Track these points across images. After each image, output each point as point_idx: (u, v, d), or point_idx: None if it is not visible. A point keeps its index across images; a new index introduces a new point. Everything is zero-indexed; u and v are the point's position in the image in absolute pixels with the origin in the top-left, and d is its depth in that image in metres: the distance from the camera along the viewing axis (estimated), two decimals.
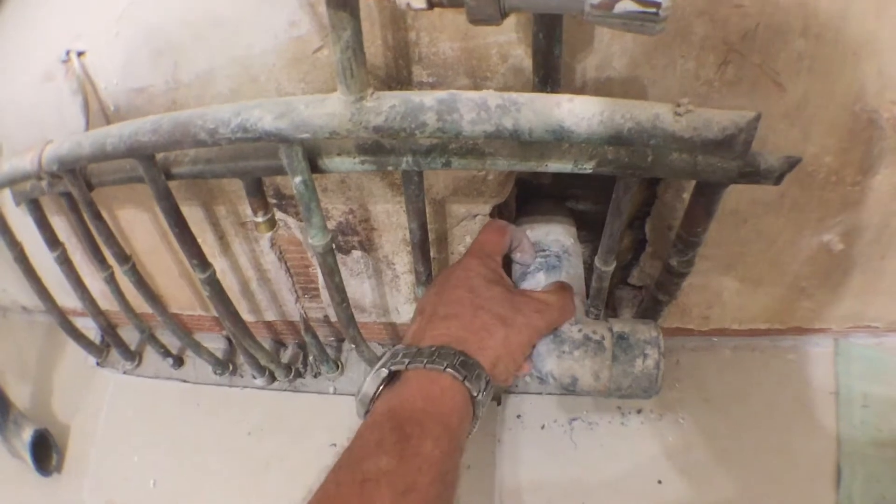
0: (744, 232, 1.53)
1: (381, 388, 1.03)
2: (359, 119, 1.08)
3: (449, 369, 0.94)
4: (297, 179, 1.24)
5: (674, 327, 1.87)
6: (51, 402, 2.47)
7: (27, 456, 2.15)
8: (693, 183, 1.24)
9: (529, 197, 1.81)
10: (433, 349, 0.97)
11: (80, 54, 1.49)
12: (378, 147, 1.22)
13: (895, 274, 1.63)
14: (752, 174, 1.12)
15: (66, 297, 2.20)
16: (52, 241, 1.89)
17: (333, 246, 1.41)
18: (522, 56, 1.24)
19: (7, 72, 1.61)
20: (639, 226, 1.69)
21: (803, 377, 1.86)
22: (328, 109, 1.10)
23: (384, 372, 1.02)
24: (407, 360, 0.97)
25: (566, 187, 1.82)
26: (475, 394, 0.94)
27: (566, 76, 1.24)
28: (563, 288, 1.27)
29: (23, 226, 1.91)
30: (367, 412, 1.02)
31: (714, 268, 1.65)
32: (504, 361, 1.03)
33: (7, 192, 1.80)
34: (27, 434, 2.17)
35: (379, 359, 1.08)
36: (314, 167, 1.27)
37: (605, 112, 1.00)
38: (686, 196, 1.35)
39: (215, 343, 2.29)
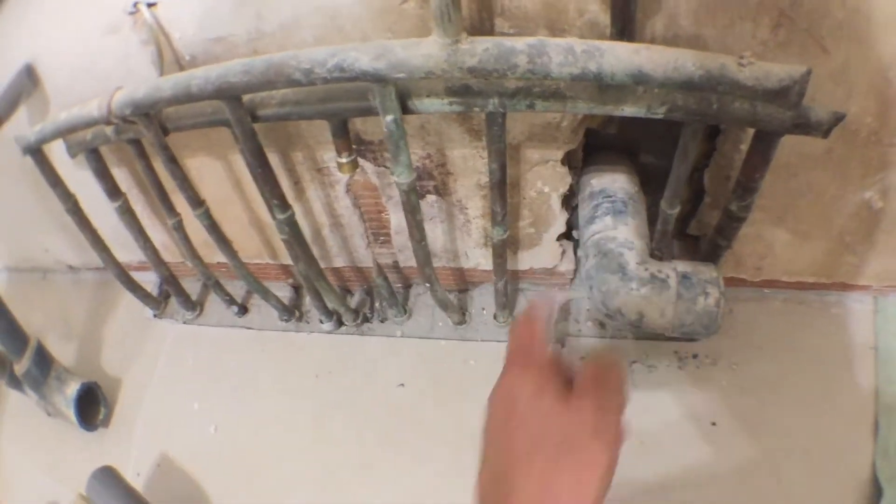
0: (794, 184, 1.73)
1: None
2: (454, 60, 1.26)
3: None
4: (389, 118, 1.41)
5: (728, 277, 2.06)
6: (100, 357, 2.62)
7: (71, 411, 2.26)
8: (751, 135, 1.44)
9: (596, 149, 2.00)
10: None
11: (150, 5, 1.60)
12: (467, 89, 1.39)
13: None
14: (804, 125, 1.33)
15: (121, 252, 2.37)
16: (114, 190, 2.03)
17: (417, 185, 1.58)
18: (598, 11, 1.41)
19: (62, 26, 1.74)
20: (697, 178, 1.88)
21: (846, 331, 2.05)
22: (424, 51, 1.28)
23: None
24: None
25: (631, 141, 2.01)
26: None
27: (638, 32, 1.40)
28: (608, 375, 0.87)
29: (75, 182, 2.06)
30: None
31: (767, 219, 1.84)
32: None
33: (59, 145, 1.92)
34: (72, 389, 2.29)
35: None
36: (404, 108, 1.43)
37: (679, 60, 1.19)
38: (743, 147, 1.52)
39: (281, 291, 2.45)
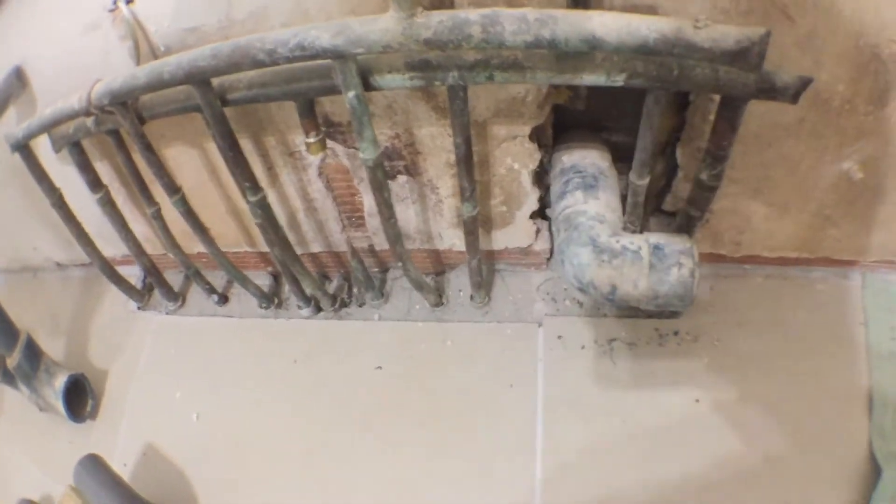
0: (768, 155, 1.72)
1: None
2: (410, 33, 1.29)
3: None
4: (351, 94, 1.44)
5: (707, 253, 2.06)
6: (87, 350, 2.66)
7: (59, 404, 2.31)
8: (718, 104, 1.44)
9: (568, 128, 1.99)
10: None
11: (128, 1, 1.66)
12: (426, 63, 1.42)
13: None
14: (769, 90, 1.33)
15: (106, 246, 2.41)
16: (96, 182, 2.08)
17: (383, 161, 1.61)
18: None
19: (49, 28, 1.80)
20: (670, 153, 1.88)
21: (833, 307, 2.05)
22: (381, 25, 1.31)
23: None
24: None
25: (601, 119, 2.00)
26: None
27: (596, 2, 1.43)
28: None
29: (60, 177, 2.11)
30: None
31: (742, 192, 1.84)
32: None
33: (44, 142, 1.97)
34: (60, 381, 2.34)
35: None
36: (366, 85, 1.46)
37: (633, 24, 1.20)
38: (713, 118, 1.51)
39: (260, 279, 2.49)
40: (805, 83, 1.32)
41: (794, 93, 1.33)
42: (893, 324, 1.98)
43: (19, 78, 1.90)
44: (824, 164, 1.74)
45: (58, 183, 2.11)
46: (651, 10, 1.44)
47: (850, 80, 1.53)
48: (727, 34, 1.19)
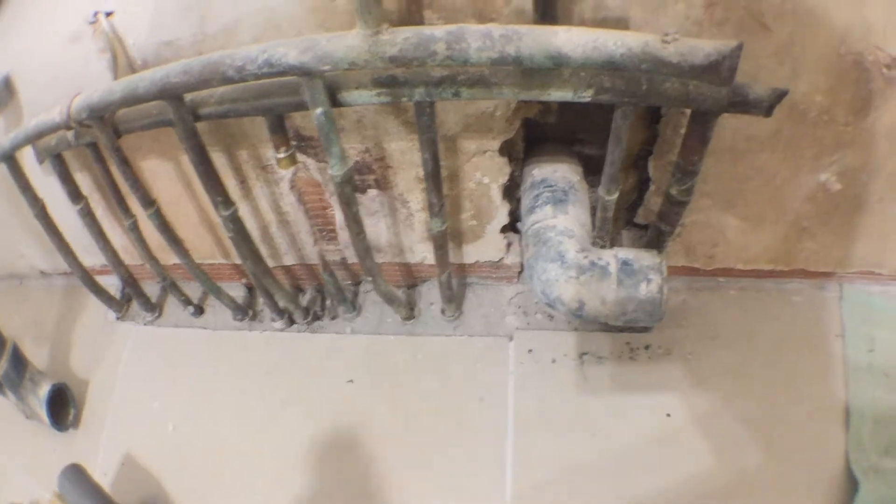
0: (742, 168, 1.69)
1: None
2: (375, 50, 1.26)
3: None
4: (319, 111, 1.42)
5: (680, 266, 2.03)
6: (69, 359, 2.64)
7: (43, 412, 2.31)
8: (689, 117, 1.41)
9: (539, 141, 1.97)
10: None
11: (108, 14, 1.66)
12: (393, 80, 1.39)
13: (895, 219, 1.80)
14: (742, 103, 1.30)
15: (86, 256, 2.39)
16: (76, 194, 2.07)
17: (351, 176, 1.58)
18: None
19: (35, 37, 1.80)
20: (642, 166, 1.85)
21: (809, 320, 2.02)
22: (348, 43, 1.28)
23: None
24: None
25: (572, 132, 1.98)
26: None
27: (565, 16, 1.41)
28: None
29: (44, 187, 2.11)
30: None
31: (715, 205, 1.81)
32: None
33: (29, 153, 1.97)
34: (44, 390, 2.33)
35: None
36: (334, 101, 1.45)
37: (599, 39, 1.17)
38: (684, 132, 1.49)
39: (235, 291, 2.46)
40: (780, 96, 1.29)
41: (769, 106, 1.30)
42: (871, 335, 1.95)
43: (7, 87, 1.90)
44: (800, 176, 1.71)
45: (41, 193, 2.11)
46: (622, 23, 1.43)
47: (828, 90, 1.50)
48: (696, 48, 1.16)
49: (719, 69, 1.16)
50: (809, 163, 1.67)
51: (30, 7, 1.80)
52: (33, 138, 1.85)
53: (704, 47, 1.16)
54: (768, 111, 1.30)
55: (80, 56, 1.74)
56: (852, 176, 1.68)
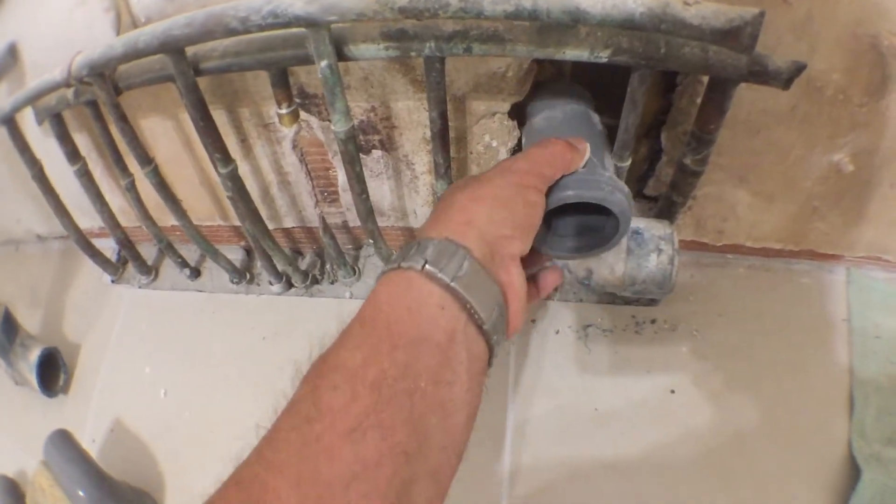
0: (756, 142, 1.63)
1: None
2: (385, 0, 1.20)
3: (404, 262, 0.78)
4: (324, 63, 1.35)
5: (689, 240, 1.98)
6: (63, 323, 2.60)
7: (33, 377, 2.26)
8: (706, 85, 1.35)
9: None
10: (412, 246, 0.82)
11: None
12: (402, 33, 1.32)
13: None
14: (761, 73, 1.23)
15: (83, 219, 2.35)
16: (74, 154, 2.03)
17: (355, 134, 1.52)
18: None
19: (40, 4, 1.76)
20: (655, 136, 1.79)
21: (816, 302, 1.96)
22: None
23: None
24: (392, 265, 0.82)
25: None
26: (448, 279, 0.74)
27: None
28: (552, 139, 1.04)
29: (43, 149, 2.07)
30: None
31: (728, 178, 1.75)
32: (495, 227, 0.82)
33: (29, 115, 1.94)
34: (34, 355, 2.28)
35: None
36: (340, 55, 1.38)
37: None
38: (700, 101, 1.42)
39: (233, 254, 2.41)
40: (799, 69, 1.22)
41: (787, 78, 1.23)
42: (878, 321, 1.89)
43: (11, 54, 1.87)
44: (814, 155, 1.65)
45: (39, 155, 2.07)
46: None
47: (845, 70, 1.43)
48: (718, 12, 1.10)
49: (741, 35, 1.10)
50: (824, 141, 1.60)
51: None
52: (34, 98, 1.82)
53: (727, 12, 1.10)
54: (787, 83, 1.24)
55: (85, 18, 1.67)
56: (865, 158, 1.62)
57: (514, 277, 0.82)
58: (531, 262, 1.17)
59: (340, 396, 0.66)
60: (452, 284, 0.74)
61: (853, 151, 1.61)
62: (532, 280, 1.14)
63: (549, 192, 1.05)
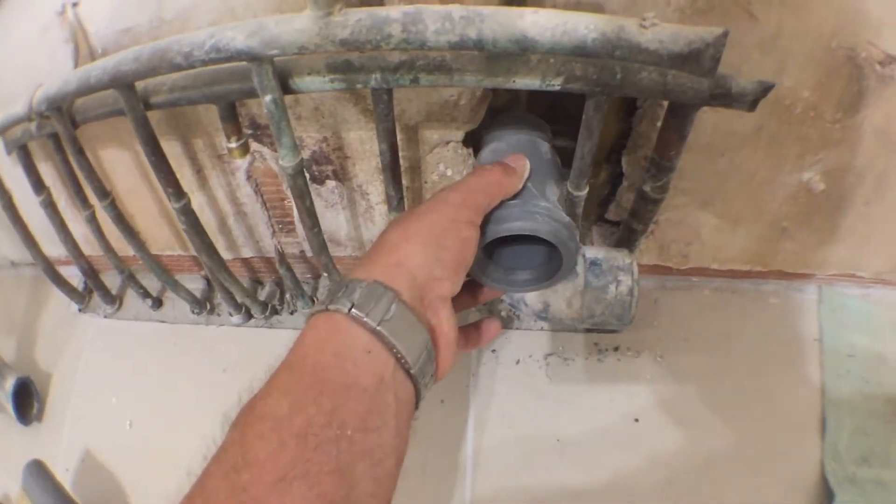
0: (720, 165, 1.55)
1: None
2: (326, 33, 1.12)
3: (331, 305, 0.77)
4: (268, 98, 1.28)
5: (652, 265, 1.90)
6: (34, 351, 2.53)
7: (9, 406, 2.21)
8: (666, 110, 1.27)
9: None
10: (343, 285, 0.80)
11: (74, 4, 1.56)
12: (347, 65, 1.25)
13: (881, 222, 1.66)
14: (724, 96, 1.15)
15: (51, 247, 2.27)
16: (38, 185, 1.98)
17: (304, 168, 1.45)
18: None
19: (11, 33, 1.70)
20: (615, 160, 1.71)
21: (786, 322, 1.89)
22: (297, 25, 1.14)
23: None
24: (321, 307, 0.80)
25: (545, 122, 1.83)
26: (374, 324, 0.73)
27: (536, 1, 1.27)
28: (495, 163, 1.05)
29: (12, 179, 2.01)
30: None
31: (691, 202, 1.67)
32: (425, 268, 0.81)
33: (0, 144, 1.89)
34: (9, 383, 2.23)
35: None
36: (285, 88, 1.31)
37: (569, 23, 1.03)
38: (659, 126, 1.35)
39: (194, 284, 2.35)
40: (766, 89, 1.14)
41: (753, 100, 1.16)
42: (851, 340, 1.83)
43: None
44: (783, 175, 1.57)
45: (8, 185, 2.04)
46: (597, 8, 1.28)
47: (817, 85, 1.36)
48: (677, 35, 1.01)
49: (701, 58, 1.01)
50: (793, 161, 1.53)
51: (16, 2, 1.69)
52: (2, 130, 1.79)
53: (686, 34, 1.01)
54: (752, 105, 1.17)
55: (49, 47, 1.63)
56: (838, 175, 1.55)
57: (444, 320, 0.81)
58: (478, 295, 1.17)
59: (267, 446, 0.65)
60: (379, 328, 0.73)
61: (824, 169, 1.54)
62: (475, 327, 1.11)
63: (486, 221, 1.03)
